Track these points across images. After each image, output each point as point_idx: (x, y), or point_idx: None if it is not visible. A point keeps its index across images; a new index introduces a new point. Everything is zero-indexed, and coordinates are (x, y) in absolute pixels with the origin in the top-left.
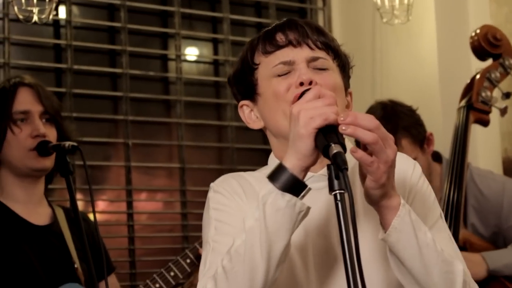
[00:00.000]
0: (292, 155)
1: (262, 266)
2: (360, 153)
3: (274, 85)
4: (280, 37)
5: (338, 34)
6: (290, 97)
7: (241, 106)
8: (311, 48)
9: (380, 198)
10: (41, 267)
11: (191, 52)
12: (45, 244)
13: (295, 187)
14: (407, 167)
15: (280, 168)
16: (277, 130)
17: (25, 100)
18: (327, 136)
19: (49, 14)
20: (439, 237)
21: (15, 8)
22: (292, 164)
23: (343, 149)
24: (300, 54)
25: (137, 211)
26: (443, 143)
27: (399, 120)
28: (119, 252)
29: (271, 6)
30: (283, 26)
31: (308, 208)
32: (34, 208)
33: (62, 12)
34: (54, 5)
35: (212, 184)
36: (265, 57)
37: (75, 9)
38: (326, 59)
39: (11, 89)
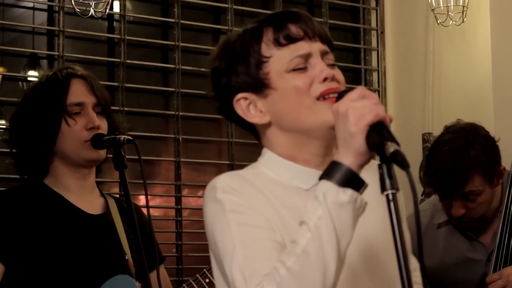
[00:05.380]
0: (347, 153)
1: (333, 263)
2: None
3: (293, 80)
4: (295, 29)
5: (390, 34)
6: (314, 93)
7: (238, 100)
8: (321, 42)
9: None
10: (93, 257)
11: None
12: (98, 233)
13: (353, 183)
14: None
15: (335, 166)
16: (296, 126)
17: (79, 92)
18: (379, 134)
19: (105, 8)
20: None
21: (72, 1)
22: (349, 161)
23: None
24: (315, 47)
25: (185, 206)
26: None
27: (478, 155)
28: (167, 247)
29: (323, 4)
30: (295, 17)
31: (366, 204)
32: (87, 198)
33: (116, 6)
34: None
35: (217, 184)
36: (278, 50)
37: (128, 3)
38: (331, 53)
39: (64, 80)
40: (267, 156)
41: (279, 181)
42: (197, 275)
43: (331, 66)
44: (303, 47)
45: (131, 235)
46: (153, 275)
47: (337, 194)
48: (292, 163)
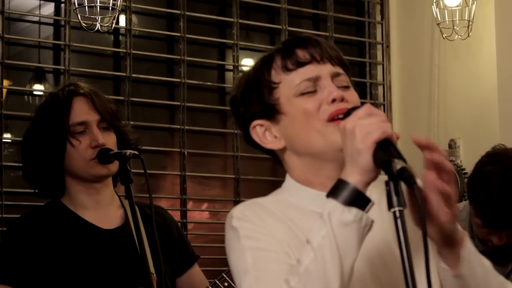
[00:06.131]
0: (354, 171)
1: (335, 283)
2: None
3: (302, 104)
4: (302, 54)
5: (396, 48)
6: (323, 115)
7: (254, 127)
8: (332, 64)
9: (453, 233)
10: (110, 273)
11: (249, 63)
12: (115, 248)
13: (359, 201)
14: None
15: (341, 184)
16: (308, 149)
17: (81, 111)
18: (386, 152)
19: (112, 23)
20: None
21: (78, 15)
22: (356, 179)
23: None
24: (324, 70)
25: (191, 220)
26: None
27: None
28: None
29: (329, 19)
30: (302, 42)
31: (373, 222)
32: (103, 213)
33: (122, 20)
34: (117, 13)
35: (233, 213)
36: (286, 75)
37: (134, 18)
38: (345, 75)
39: (66, 99)
40: (287, 182)
41: (298, 206)
42: (215, 280)
43: (344, 88)
44: (311, 70)
45: (154, 243)
46: (183, 278)
47: (341, 214)
48: (308, 189)
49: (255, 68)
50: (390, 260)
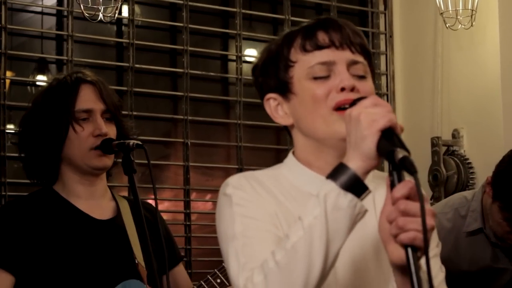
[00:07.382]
0: (356, 156)
1: (318, 264)
2: None
3: (312, 88)
4: (322, 37)
5: (399, 38)
6: (331, 103)
7: (268, 99)
8: (351, 52)
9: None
10: (101, 263)
11: (252, 53)
12: (107, 238)
13: (356, 188)
14: None
15: (341, 168)
16: (312, 133)
17: (87, 98)
18: (390, 141)
19: (114, 13)
20: (436, 266)
21: (81, 6)
22: (357, 165)
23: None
24: (341, 56)
25: (194, 211)
26: (505, 151)
27: None
28: None
29: (332, 8)
30: (325, 25)
31: (366, 211)
32: (96, 203)
33: (125, 11)
34: (119, 3)
35: (229, 181)
36: (303, 55)
37: (137, 8)
38: (364, 64)
39: (73, 85)
40: (288, 159)
41: (294, 184)
42: (208, 276)
43: (360, 77)
44: (327, 54)
45: (143, 237)
46: (169, 275)
47: (337, 197)
48: (307, 169)
49: (277, 43)
50: (368, 259)
